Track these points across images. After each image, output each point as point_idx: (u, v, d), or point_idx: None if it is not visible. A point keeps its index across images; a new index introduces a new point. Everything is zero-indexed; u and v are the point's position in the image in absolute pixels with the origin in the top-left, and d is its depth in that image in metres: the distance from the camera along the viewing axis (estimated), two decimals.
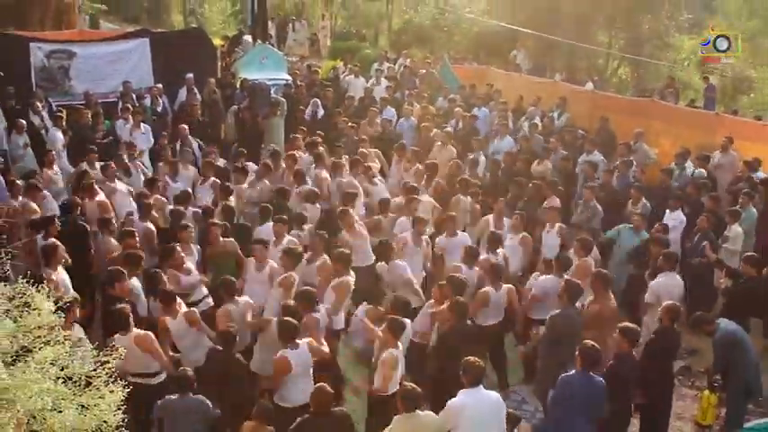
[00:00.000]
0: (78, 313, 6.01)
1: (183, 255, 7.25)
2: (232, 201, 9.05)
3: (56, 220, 7.73)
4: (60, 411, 3.13)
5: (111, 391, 3.28)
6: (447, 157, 10.98)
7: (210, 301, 7.24)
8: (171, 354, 6.21)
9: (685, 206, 9.33)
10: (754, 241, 8.97)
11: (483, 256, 7.73)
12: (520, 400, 7.17)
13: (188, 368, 5.66)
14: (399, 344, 5.91)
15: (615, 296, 7.01)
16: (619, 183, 10.30)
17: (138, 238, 7.62)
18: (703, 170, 10.58)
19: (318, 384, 5.26)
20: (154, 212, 8.44)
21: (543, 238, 8.75)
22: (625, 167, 10.48)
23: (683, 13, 20.71)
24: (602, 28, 20.81)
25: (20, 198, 8.35)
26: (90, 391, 3.27)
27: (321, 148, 10.63)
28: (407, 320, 6.32)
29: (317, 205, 9.11)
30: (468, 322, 6.49)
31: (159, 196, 9.03)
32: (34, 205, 8.22)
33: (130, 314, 5.90)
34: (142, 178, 9.84)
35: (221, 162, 10.58)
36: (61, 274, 6.83)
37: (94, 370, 3.33)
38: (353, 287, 7.14)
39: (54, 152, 9.98)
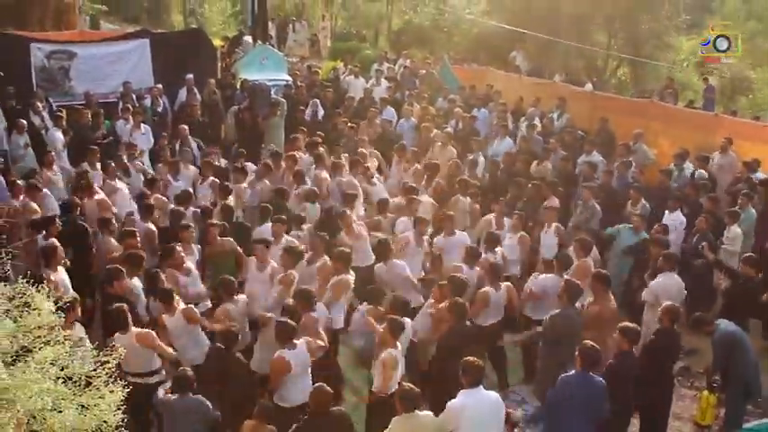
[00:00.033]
0: (80, 312, 6.03)
1: (183, 255, 7.26)
2: (231, 200, 9.08)
3: (56, 220, 7.74)
4: (60, 411, 3.14)
5: (111, 392, 3.29)
6: (447, 157, 11.00)
7: (209, 303, 7.25)
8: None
9: (684, 207, 9.34)
10: (753, 242, 8.99)
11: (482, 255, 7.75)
12: (520, 401, 7.18)
13: (187, 368, 5.67)
14: (398, 344, 5.92)
15: (615, 295, 7.03)
16: (618, 183, 10.31)
17: (138, 239, 7.63)
18: (704, 171, 10.60)
19: (317, 384, 5.27)
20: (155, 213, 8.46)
21: (542, 239, 8.78)
22: (624, 168, 10.49)
23: (682, 14, 20.72)
24: (601, 29, 20.82)
25: (21, 198, 8.37)
26: (90, 391, 3.27)
27: (321, 149, 10.65)
28: (407, 320, 6.33)
29: (317, 205, 9.14)
30: (467, 323, 6.50)
31: (160, 196, 9.06)
32: (35, 205, 8.23)
33: (129, 313, 5.91)
34: (142, 178, 9.86)
35: (223, 162, 10.61)
36: (61, 275, 6.85)
37: (94, 370, 3.33)
38: (353, 287, 7.15)
39: (53, 153, 9.99)
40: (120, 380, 3.39)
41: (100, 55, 12.94)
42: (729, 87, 19.41)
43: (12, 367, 3.20)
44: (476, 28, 22.24)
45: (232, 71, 14.87)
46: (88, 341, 5.57)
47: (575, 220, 9.48)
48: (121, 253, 7.32)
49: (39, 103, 11.35)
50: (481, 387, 5.23)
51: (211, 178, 9.65)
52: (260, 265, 7.33)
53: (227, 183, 9.45)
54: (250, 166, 10.28)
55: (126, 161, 9.94)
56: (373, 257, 7.98)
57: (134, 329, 5.88)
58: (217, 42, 17.02)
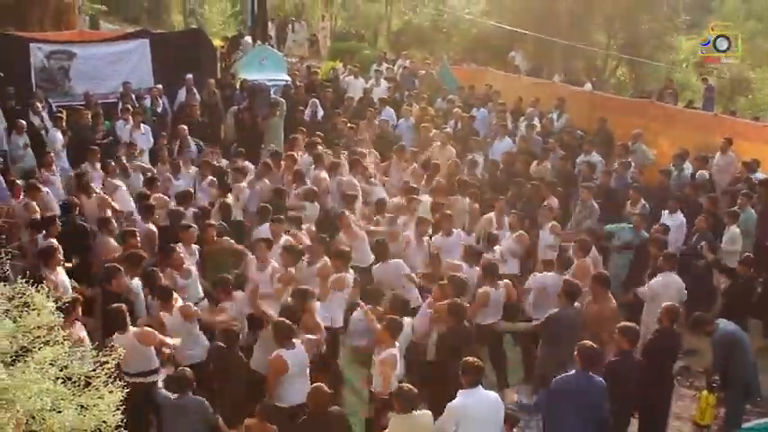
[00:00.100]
0: (81, 312, 6.04)
1: (182, 255, 7.26)
2: (230, 199, 9.08)
3: (57, 220, 7.74)
4: (59, 411, 3.14)
5: (111, 392, 3.29)
6: (446, 157, 11.02)
7: (206, 303, 7.25)
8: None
9: (684, 207, 9.34)
10: (753, 241, 8.99)
11: None
12: (518, 403, 7.17)
13: (186, 368, 5.67)
14: (397, 343, 5.92)
15: (614, 294, 7.03)
16: (617, 183, 10.32)
17: (138, 239, 7.63)
18: (705, 172, 10.60)
19: (316, 384, 5.28)
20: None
21: (540, 238, 8.80)
22: (623, 168, 10.50)
23: (681, 14, 20.73)
24: (600, 29, 20.82)
25: (21, 197, 8.37)
26: (89, 391, 3.27)
27: (320, 149, 10.66)
28: (408, 319, 6.34)
29: (316, 204, 9.14)
30: (466, 323, 6.49)
31: (161, 195, 9.06)
32: (35, 205, 8.23)
33: (127, 313, 5.91)
34: (141, 178, 9.86)
35: (223, 162, 10.62)
36: (60, 275, 6.84)
37: (93, 370, 3.34)
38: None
39: (53, 153, 9.99)
40: (120, 380, 3.40)
41: (99, 55, 12.95)
42: (729, 88, 19.40)
43: (11, 367, 3.20)
44: (475, 28, 22.23)
45: (232, 71, 14.88)
46: (88, 340, 5.59)
47: (574, 220, 9.49)
48: (122, 252, 7.33)
49: (38, 104, 11.36)
50: (480, 387, 5.23)
51: (210, 178, 9.66)
52: (260, 264, 7.34)
53: (227, 181, 9.47)
54: (249, 165, 10.28)
55: (125, 161, 9.94)
56: (372, 257, 7.99)
57: (133, 329, 5.88)
58: (216, 42, 17.02)
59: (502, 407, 5.31)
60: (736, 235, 8.61)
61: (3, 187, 8.81)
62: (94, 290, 7.25)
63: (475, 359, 5.28)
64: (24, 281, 3.44)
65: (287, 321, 5.84)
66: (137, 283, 6.88)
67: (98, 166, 9.71)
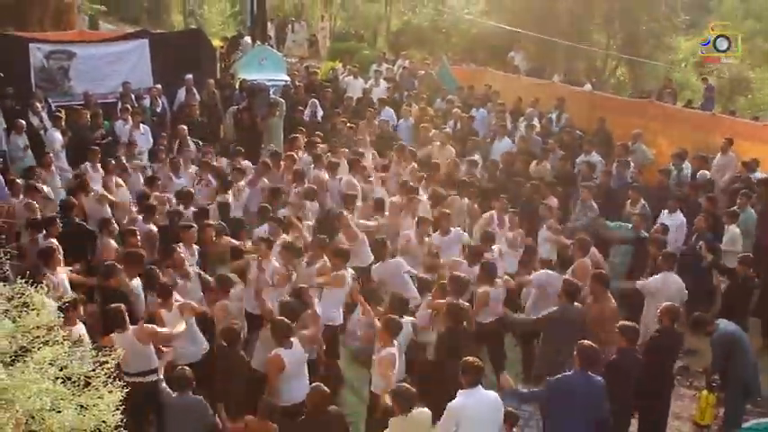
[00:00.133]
0: (82, 311, 6.04)
1: (183, 255, 7.26)
2: (228, 197, 9.07)
3: (57, 220, 7.73)
4: (59, 411, 3.14)
5: (110, 392, 3.29)
6: (446, 156, 11.02)
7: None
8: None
9: (683, 207, 9.34)
10: (753, 241, 8.99)
11: None
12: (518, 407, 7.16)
13: (186, 367, 5.67)
14: (396, 342, 5.91)
15: (614, 295, 7.03)
16: (616, 183, 10.32)
17: (139, 239, 7.63)
18: (706, 172, 10.60)
19: (315, 384, 5.29)
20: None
21: (539, 237, 8.80)
22: (623, 168, 10.50)
23: (680, 14, 20.74)
24: (600, 29, 20.83)
25: (20, 197, 8.36)
26: (89, 391, 3.27)
27: (320, 149, 10.65)
28: (407, 319, 6.33)
29: (316, 203, 9.14)
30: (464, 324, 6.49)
31: (161, 194, 9.06)
32: (35, 204, 8.23)
33: (126, 312, 5.91)
34: (141, 178, 9.86)
35: (223, 162, 10.62)
36: (60, 275, 6.84)
37: (93, 370, 3.33)
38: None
39: (52, 154, 9.99)
40: (119, 380, 3.39)
41: (99, 55, 12.93)
42: (728, 87, 19.41)
43: (11, 367, 3.20)
44: (474, 28, 22.22)
45: (231, 71, 14.88)
46: (88, 340, 5.59)
47: (573, 220, 9.49)
48: (122, 252, 7.33)
49: (38, 104, 11.35)
50: (480, 387, 5.23)
51: (209, 177, 9.66)
52: (261, 265, 7.32)
53: (228, 179, 9.49)
54: (247, 164, 10.28)
55: (124, 161, 9.94)
56: (371, 257, 7.99)
57: (132, 327, 5.87)
58: (216, 43, 17.02)
59: (502, 407, 5.30)
60: (736, 235, 8.61)
61: (2, 186, 8.80)
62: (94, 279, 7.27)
63: (475, 359, 5.28)
64: (24, 281, 3.44)
65: (285, 320, 5.85)
66: (137, 283, 6.88)
67: (98, 166, 9.70)
